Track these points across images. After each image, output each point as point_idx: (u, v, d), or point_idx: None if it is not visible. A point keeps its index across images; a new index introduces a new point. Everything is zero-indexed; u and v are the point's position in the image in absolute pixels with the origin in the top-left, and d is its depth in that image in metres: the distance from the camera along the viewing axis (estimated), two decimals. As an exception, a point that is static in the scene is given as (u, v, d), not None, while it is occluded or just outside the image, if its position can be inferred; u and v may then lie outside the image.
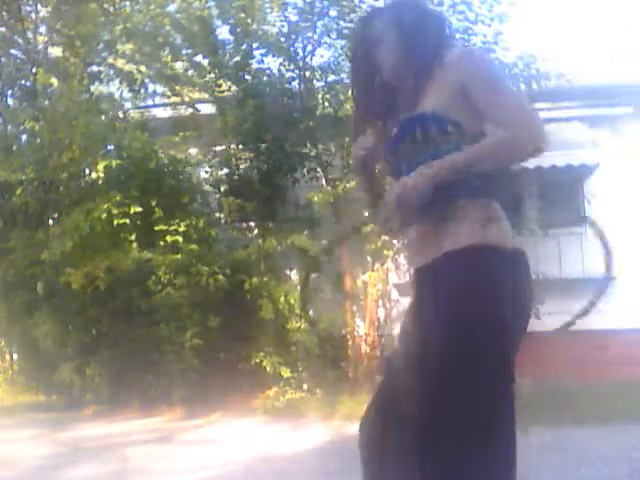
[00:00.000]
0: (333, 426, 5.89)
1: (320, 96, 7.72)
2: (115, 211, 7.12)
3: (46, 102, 8.70)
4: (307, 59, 7.67)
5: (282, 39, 7.61)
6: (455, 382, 1.51)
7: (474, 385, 1.50)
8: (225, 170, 8.24)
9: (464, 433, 1.50)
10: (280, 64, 7.77)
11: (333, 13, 7.33)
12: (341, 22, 7.31)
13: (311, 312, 7.66)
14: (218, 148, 8.14)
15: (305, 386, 7.12)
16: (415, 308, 1.69)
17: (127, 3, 9.23)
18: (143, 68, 8.34)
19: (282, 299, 7.28)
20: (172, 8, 8.19)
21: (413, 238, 1.72)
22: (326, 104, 7.67)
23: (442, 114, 1.64)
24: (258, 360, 7.04)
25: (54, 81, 8.55)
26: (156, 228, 7.39)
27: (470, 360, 1.50)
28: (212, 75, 7.91)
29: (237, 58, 7.75)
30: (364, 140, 1.76)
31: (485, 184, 1.63)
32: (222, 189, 8.27)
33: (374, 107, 1.83)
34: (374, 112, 1.84)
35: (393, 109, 1.79)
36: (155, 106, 9.07)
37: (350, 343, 7.44)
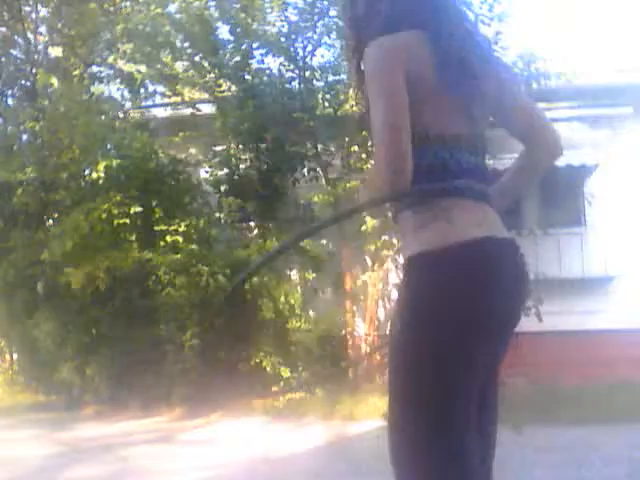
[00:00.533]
0: (333, 426, 5.89)
1: (320, 96, 7.72)
2: (115, 211, 7.12)
3: (46, 102, 8.70)
4: (307, 59, 7.67)
5: (282, 39, 7.62)
6: (404, 382, 1.47)
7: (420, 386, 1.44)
8: (225, 170, 8.25)
9: (413, 434, 1.44)
10: (280, 64, 7.77)
11: (333, 13, 7.33)
12: (341, 22, 7.31)
13: (311, 312, 7.70)
14: (218, 148, 8.14)
15: (305, 386, 7.12)
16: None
17: (127, 3, 9.23)
18: (143, 68, 8.34)
19: (282, 299, 7.28)
20: (172, 8, 8.20)
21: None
22: (326, 104, 7.68)
23: None
24: (258, 360, 7.04)
25: (54, 81, 8.55)
26: (156, 228, 7.40)
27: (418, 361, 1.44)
28: (212, 75, 7.92)
29: (237, 58, 7.75)
30: None
31: (423, 190, 1.48)
32: (222, 189, 8.27)
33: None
34: None
35: None
36: (155, 106, 9.07)
37: (350, 343, 7.44)
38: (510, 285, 1.47)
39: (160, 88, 8.74)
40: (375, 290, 7.55)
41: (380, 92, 1.46)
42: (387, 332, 1.57)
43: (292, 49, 7.60)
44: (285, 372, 7.06)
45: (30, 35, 9.47)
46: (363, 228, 6.95)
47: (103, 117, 8.23)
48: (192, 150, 8.43)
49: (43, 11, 9.59)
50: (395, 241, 7.48)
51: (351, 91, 7.38)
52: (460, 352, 1.42)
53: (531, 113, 1.67)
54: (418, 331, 1.43)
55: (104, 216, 7.10)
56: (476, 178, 1.51)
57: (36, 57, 9.31)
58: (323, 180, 7.78)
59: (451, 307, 1.40)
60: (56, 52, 9.57)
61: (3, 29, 9.60)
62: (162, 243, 7.33)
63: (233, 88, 7.92)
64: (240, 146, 7.98)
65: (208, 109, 8.29)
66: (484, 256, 1.44)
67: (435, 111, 1.49)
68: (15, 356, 9.07)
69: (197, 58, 8.10)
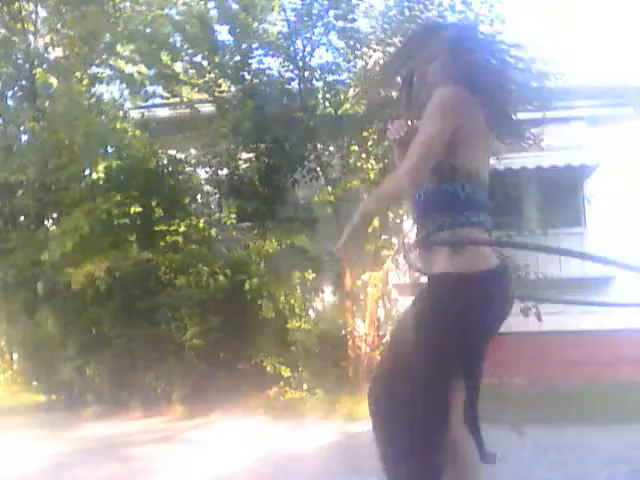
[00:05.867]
0: (333, 425, 5.90)
1: (320, 96, 7.72)
2: (115, 211, 7.13)
3: (46, 103, 8.70)
4: (307, 59, 7.67)
5: (282, 39, 7.62)
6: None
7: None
8: (225, 170, 8.24)
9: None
10: (280, 64, 7.77)
11: (332, 13, 7.33)
12: (340, 22, 7.32)
13: (311, 312, 7.69)
14: (218, 148, 8.14)
15: (305, 386, 7.12)
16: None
17: (127, 4, 9.23)
18: (143, 68, 8.34)
19: (282, 299, 7.28)
20: (172, 9, 8.20)
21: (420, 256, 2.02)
22: (326, 104, 7.68)
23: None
24: (258, 360, 7.04)
25: (53, 81, 8.54)
26: (156, 228, 7.40)
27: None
28: (212, 75, 7.92)
29: (237, 58, 7.75)
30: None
31: (452, 218, 1.87)
32: (222, 189, 8.27)
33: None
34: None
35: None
36: (155, 106, 9.07)
37: (350, 343, 7.44)
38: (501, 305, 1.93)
39: (160, 88, 8.74)
40: (375, 290, 7.55)
41: (433, 124, 1.83)
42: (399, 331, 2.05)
43: (292, 49, 7.60)
44: (285, 372, 7.06)
45: (30, 36, 9.47)
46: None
47: (103, 117, 8.23)
48: (192, 150, 8.43)
49: (43, 12, 9.59)
50: (394, 241, 7.48)
51: (351, 91, 7.41)
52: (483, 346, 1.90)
53: None
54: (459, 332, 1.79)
55: (104, 216, 7.11)
56: (485, 209, 1.91)
57: (36, 57, 9.30)
58: (323, 180, 7.78)
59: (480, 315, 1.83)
60: (56, 53, 9.57)
61: (3, 30, 9.60)
62: (162, 243, 7.33)
63: (233, 88, 7.92)
64: (240, 146, 7.98)
65: (208, 109, 8.30)
66: (497, 283, 1.87)
67: (469, 151, 1.88)
68: (15, 356, 9.07)
69: (197, 58, 8.10)
